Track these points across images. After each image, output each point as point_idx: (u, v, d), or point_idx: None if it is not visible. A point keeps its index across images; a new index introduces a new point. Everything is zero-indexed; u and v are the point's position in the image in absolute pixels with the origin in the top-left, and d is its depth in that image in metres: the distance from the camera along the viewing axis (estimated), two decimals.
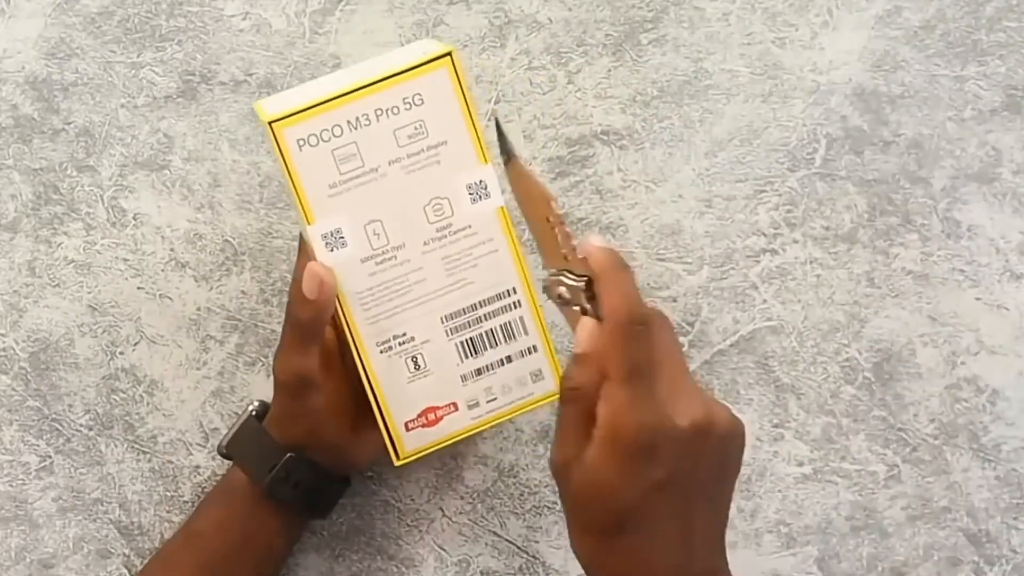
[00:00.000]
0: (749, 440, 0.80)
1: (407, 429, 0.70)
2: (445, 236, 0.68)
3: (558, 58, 0.81)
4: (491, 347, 0.70)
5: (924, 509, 0.81)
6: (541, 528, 0.81)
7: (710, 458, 0.59)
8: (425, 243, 0.68)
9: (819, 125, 0.81)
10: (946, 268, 0.81)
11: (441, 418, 0.70)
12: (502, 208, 0.68)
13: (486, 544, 0.81)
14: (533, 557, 0.81)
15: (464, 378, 0.70)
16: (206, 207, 0.81)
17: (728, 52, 0.81)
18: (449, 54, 0.66)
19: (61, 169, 0.81)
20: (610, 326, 0.59)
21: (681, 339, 0.81)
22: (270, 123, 0.65)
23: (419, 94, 0.66)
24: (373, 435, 0.72)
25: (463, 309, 0.69)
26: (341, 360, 0.71)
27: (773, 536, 0.81)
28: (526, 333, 0.70)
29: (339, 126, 0.66)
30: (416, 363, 0.69)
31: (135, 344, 0.81)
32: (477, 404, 0.70)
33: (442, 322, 0.69)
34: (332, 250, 0.67)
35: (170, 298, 0.81)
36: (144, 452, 0.81)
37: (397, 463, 0.70)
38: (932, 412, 0.81)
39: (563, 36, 0.81)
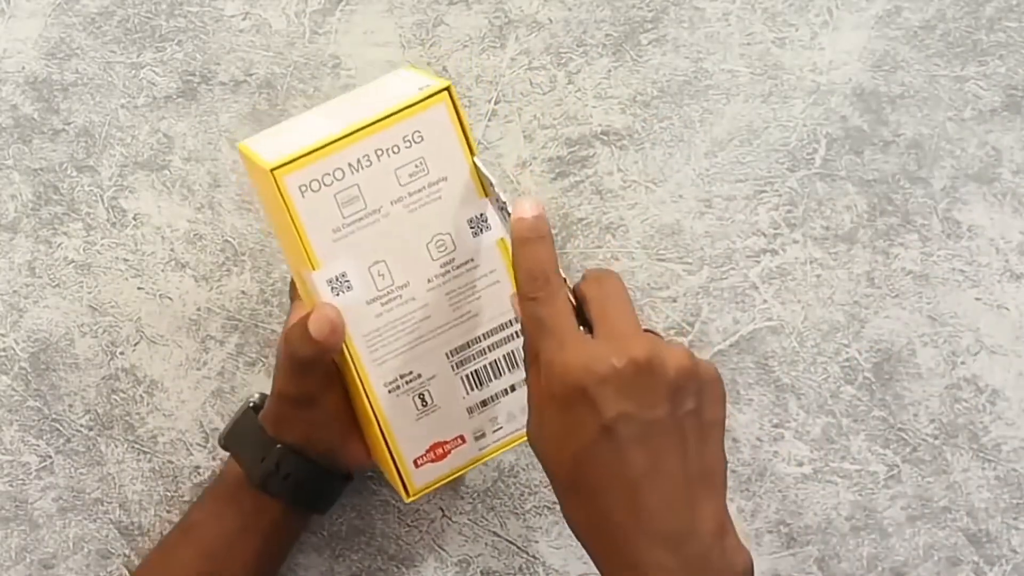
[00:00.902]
0: (749, 440, 0.81)
1: (416, 466, 0.69)
2: (449, 271, 0.67)
3: (558, 58, 0.81)
4: (495, 377, 0.69)
5: (924, 509, 0.81)
6: (541, 528, 0.81)
7: (664, 398, 0.57)
8: (429, 280, 0.67)
9: (819, 125, 0.81)
10: (946, 268, 0.81)
11: (449, 452, 0.69)
12: (502, 239, 0.67)
13: (486, 544, 0.81)
14: (533, 557, 0.81)
15: (470, 410, 0.69)
16: (206, 207, 0.81)
17: (728, 52, 0.81)
18: (447, 88, 0.65)
19: (61, 169, 0.81)
20: (517, 296, 0.61)
21: (681, 339, 0.81)
22: (272, 171, 0.63)
23: (418, 131, 0.65)
24: (364, 443, 0.72)
25: (468, 342, 0.68)
26: (339, 374, 0.71)
27: (773, 536, 0.81)
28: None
29: (340, 169, 0.64)
30: (424, 400, 0.68)
31: (135, 344, 0.81)
32: (483, 435, 0.69)
33: (448, 357, 0.68)
34: (338, 294, 0.66)
35: (170, 298, 0.81)
36: (144, 452, 0.81)
37: (408, 500, 0.69)
38: (932, 412, 0.81)
39: (563, 36, 0.81)
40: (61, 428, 0.81)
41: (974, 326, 0.81)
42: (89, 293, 0.81)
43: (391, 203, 0.65)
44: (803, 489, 0.81)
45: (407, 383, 0.68)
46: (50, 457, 0.81)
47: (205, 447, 0.81)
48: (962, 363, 0.81)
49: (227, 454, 0.76)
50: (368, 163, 0.64)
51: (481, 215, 0.67)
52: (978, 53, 0.81)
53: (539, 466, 0.81)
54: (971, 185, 0.81)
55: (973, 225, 0.81)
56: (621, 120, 0.81)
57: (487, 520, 0.81)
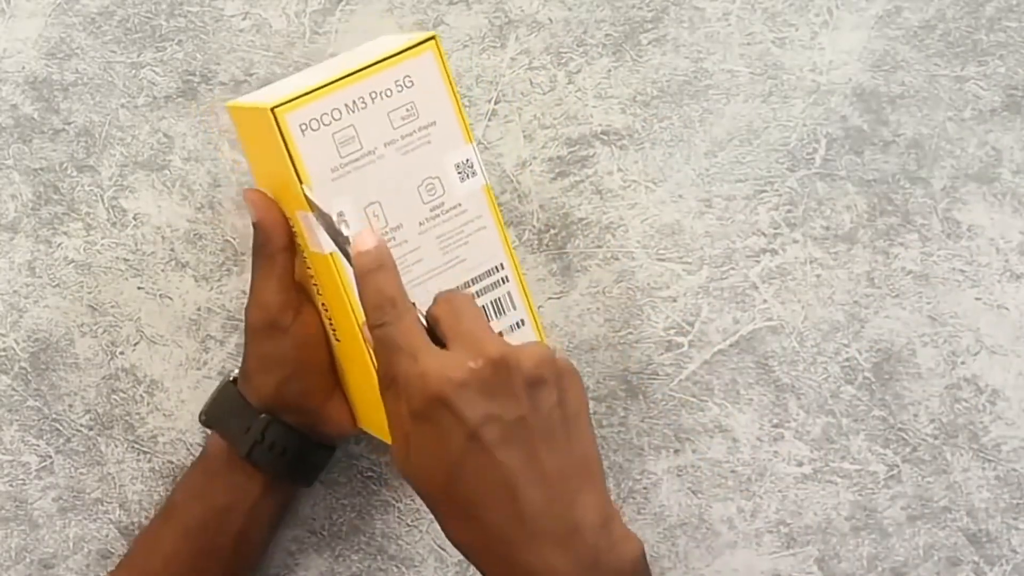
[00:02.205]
0: (749, 440, 0.81)
1: None
2: (439, 215, 0.69)
3: (558, 58, 0.81)
4: None
5: (924, 509, 0.81)
6: None
7: (525, 393, 0.57)
8: (421, 223, 0.69)
9: (819, 125, 0.81)
10: (946, 268, 0.81)
11: None
12: (487, 186, 0.70)
13: None
14: None
15: None
16: (206, 207, 0.81)
17: (728, 52, 0.81)
18: (433, 38, 0.68)
19: (61, 169, 0.81)
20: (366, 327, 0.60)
21: (681, 339, 0.81)
22: (272, 109, 0.65)
23: (409, 76, 0.68)
24: (343, 402, 0.72)
25: (458, 287, 0.70)
26: (305, 310, 0.71)
27: (773, 536, 0.81)
28: (514, 307, 0.71)
29: (338, 109, 0.66)
30: None
31: (135, 344, 0.81)
32: None
33: None
34: None
35: (170, 298, 0.81)
36: (144, 452, 0.81)
37: None
38: (932, 412, 0.81)
39: (563, 36, 0.81)
40: (61, 428, 0.81)
41: (974, 326, 0.81)
42: (89, 293, 0.81)
43: (384, 145, 0.68)
44: (803, 489, 0.81)
45: None
46: (50, 457, 0.81)
47: None
48: (962, 363, 0.81)
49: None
50: (363, 105, 0.67)
51: (467, 160, 0.69)
52: (978, 53, 0.81)
53: None
54: (971, 185, 0.81)
55: (973, 225, 0.81)
56: (621, 120, 0.81)
57: None
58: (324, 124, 0.66)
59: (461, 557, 0.81)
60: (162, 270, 0.81)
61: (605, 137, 0.81)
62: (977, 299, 0.81)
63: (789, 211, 0.81)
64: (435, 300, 0.61)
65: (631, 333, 0.81)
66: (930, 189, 0.81)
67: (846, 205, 0.81)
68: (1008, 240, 0.81)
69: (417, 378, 0.57)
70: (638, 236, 0.81)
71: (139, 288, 0.81)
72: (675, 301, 0.81)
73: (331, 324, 0.71)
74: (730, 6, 0.81)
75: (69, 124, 0.81)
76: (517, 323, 0.71)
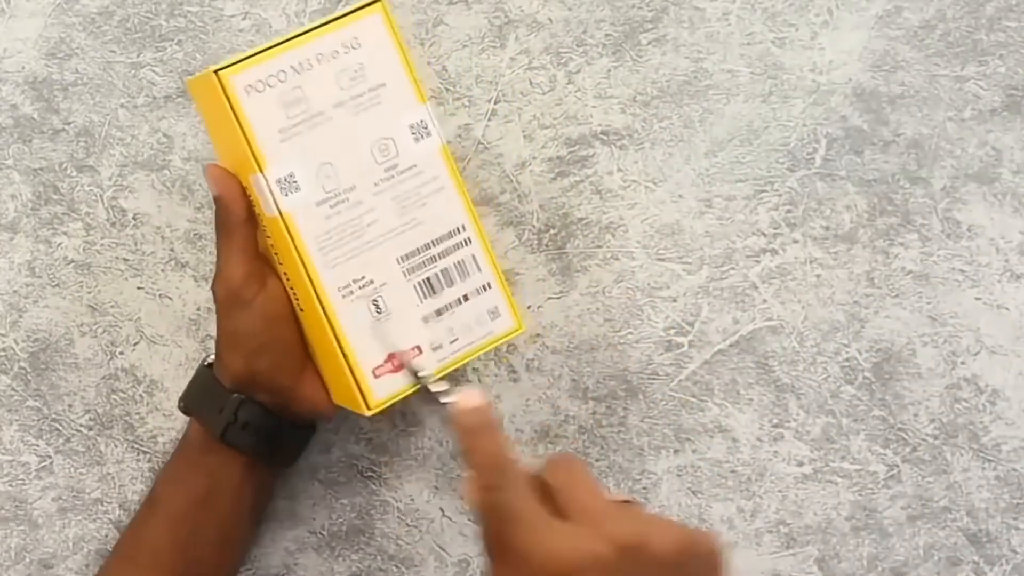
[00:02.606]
0: (749, 440, 0.81)
1: (375, 376, 0.69)
2: (393, 176, 0.69)
3: (558, 58, 0.81)
4: (448, 286, 0.70)
5: (924, 509, 0.81)
6: None
7: None
8: (375, 184, 0.69)
9: (819, 125, 0.81)
10: (946, 268, 0.81)
11: (408, 362, 0.70)
12: (444, 146, 0.70)
13: None
14: None
15: (425, 319, 0.70)
16: (206, 207, 0.81)
17: (728, 52, 0.81)
18: (379, 0, 0.69)
19: (61, 169, 0.81)
20: (472, 485, 0.57)
21: (681, 339, 0.81)
22: (216, 71, 0.66)
23: (356, 38, 0.68)
24: (316, 380, 0.72)
25: (417, 249, 0.70)
26: (270, 284, 0.71)
27: (773, 536, 0.81)
28: (479, 270, 0.71)
29: (284, 71, 0.67)
30: (377, 306, 0.69)
31: (135, 344, 0.81)
32: (440, 346, 0.70)
33: (398, 263, 0.69)
34: (287, 195, 0.68)
35: (170, 298, 0.81)
36: (144, 452, 0.81)
37: (368, 414, 0.69)
38: (932, 412, 0.81)
39: (563, 36, 0.81)
40: (61, 428, 0.81)
41: (974, 326, 0.81)
42: (89, 293, 0.81)
43: (334, 106, 0.68)
44: (803, 489, 0.81)
45: (360, 288, 0.69)
46: (50, 457, 0.81)
47: None
48: (962, 363, 0.81)
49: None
50: (310, 67, 0.68)
51: (421, 121, 0.70)
52: (978, 53, 0.81)
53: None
54: (971, 185, 0.81)
55: (973, 225, 0.81)
56: (621, 120, 0.81)
57: None
58: (269, 86, 0.67)
59: (461, 557, 0.81)
60: (162, 270, 0.81)
61: (605, 137, 0.81)
62: (977, 299, 0.81)
63: (789, 211, 0.81)
64: (547, 464, 0.58)
65: (631, 333, 0.81)
66: (930, 189, 0.81)
67: (846, 205, 0.81)
68: (1008, 240, 0.81)
69: (540, 556, 0.53)
70: (638, 236, 0.81)
71: (139, 288, 0.81)
72: (675, 301, 0.81)
73: (294, 293, 0.71)
74: (730, 6, 0.81)
75: (69, 124, 0.81)
76: (483, 286, 0.71)
